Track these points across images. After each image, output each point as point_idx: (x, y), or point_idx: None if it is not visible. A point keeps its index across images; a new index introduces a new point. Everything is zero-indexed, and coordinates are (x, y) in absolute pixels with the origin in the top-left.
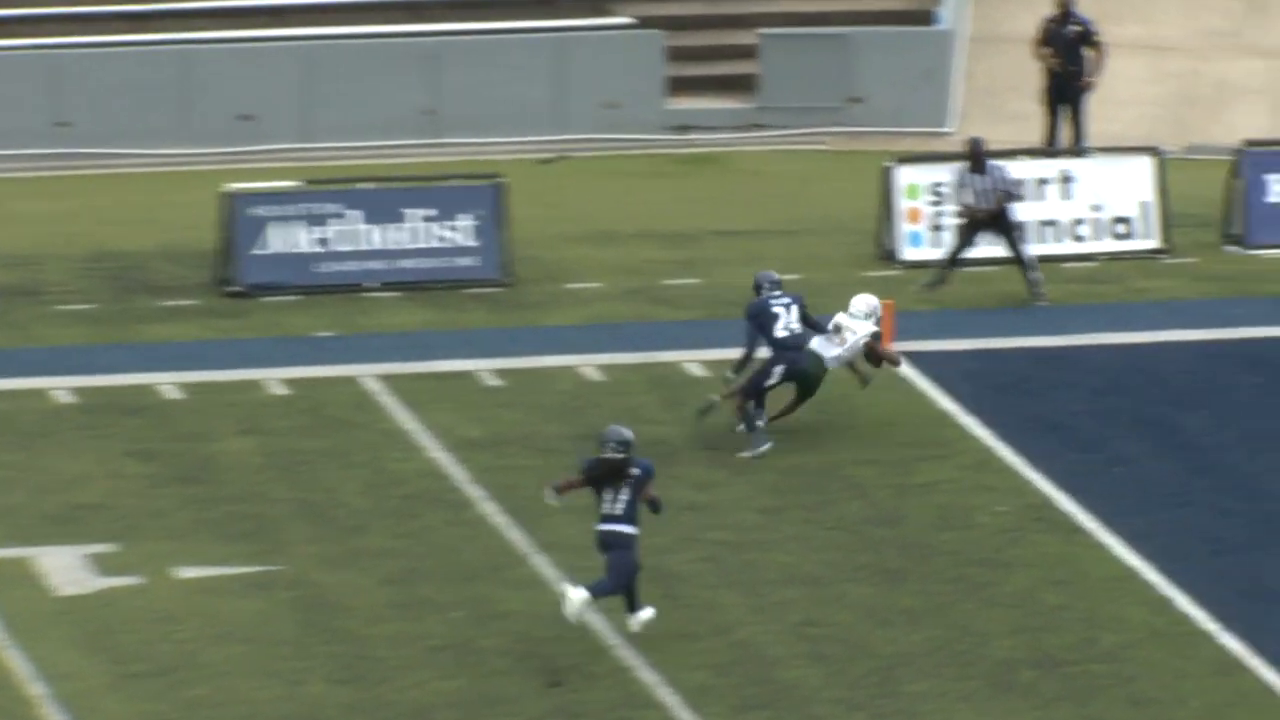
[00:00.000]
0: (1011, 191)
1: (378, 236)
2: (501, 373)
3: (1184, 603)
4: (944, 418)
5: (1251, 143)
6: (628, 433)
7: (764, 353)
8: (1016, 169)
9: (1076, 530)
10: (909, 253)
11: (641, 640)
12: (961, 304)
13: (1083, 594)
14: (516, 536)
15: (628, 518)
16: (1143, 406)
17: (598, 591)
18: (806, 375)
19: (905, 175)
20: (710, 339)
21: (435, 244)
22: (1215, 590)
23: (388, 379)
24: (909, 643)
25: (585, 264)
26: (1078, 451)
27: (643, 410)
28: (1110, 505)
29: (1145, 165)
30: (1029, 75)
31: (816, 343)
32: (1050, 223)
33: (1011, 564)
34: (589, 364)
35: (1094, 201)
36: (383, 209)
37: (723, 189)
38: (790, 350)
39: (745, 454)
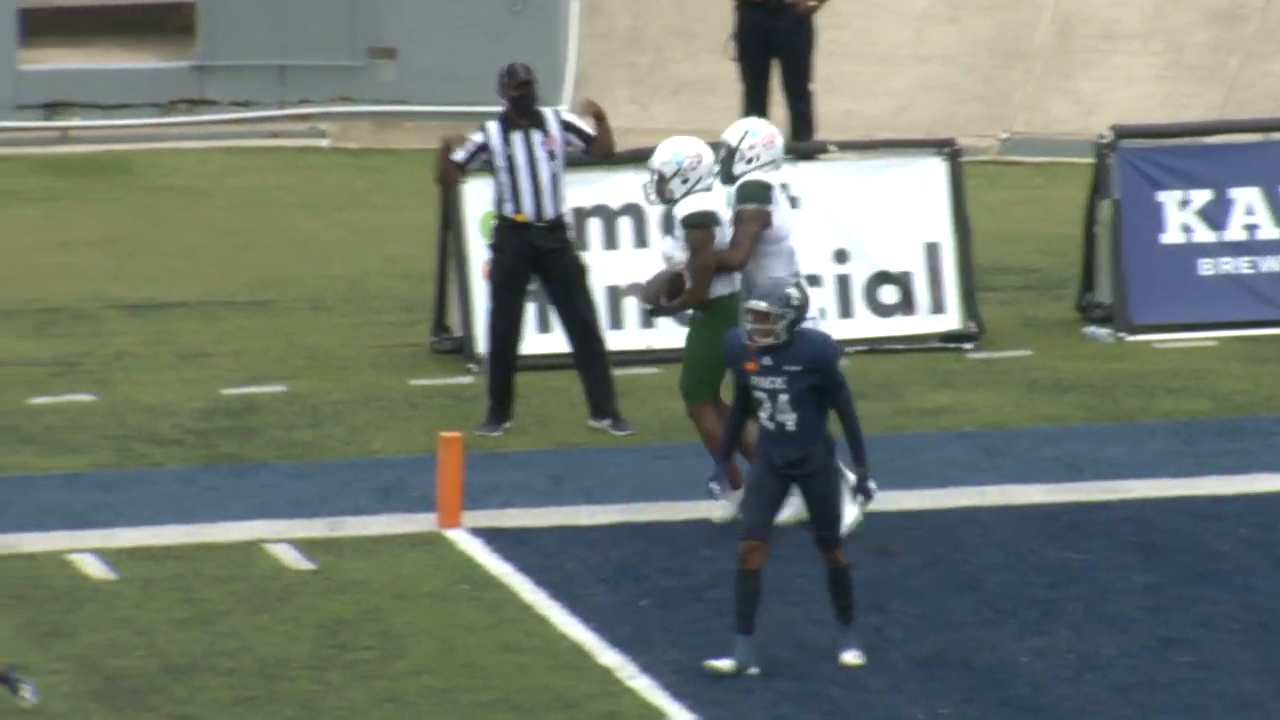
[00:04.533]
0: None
1: None
2: None
3: None
4: (581, 653)
5: (1128, 131)
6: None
7: None
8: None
9: None
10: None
11: None
12: (521, 440)
13: None
14: None
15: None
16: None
17: None
18: None
19: (481, 196)
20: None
21: None
22: None
23: None
24: None
25: None
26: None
27: None
28: None
29: (931, 172)
30: (709, 10)
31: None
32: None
33: None
34: None
35: (836, 243)
36: None
37: (134, 224)
38: None
39: None
